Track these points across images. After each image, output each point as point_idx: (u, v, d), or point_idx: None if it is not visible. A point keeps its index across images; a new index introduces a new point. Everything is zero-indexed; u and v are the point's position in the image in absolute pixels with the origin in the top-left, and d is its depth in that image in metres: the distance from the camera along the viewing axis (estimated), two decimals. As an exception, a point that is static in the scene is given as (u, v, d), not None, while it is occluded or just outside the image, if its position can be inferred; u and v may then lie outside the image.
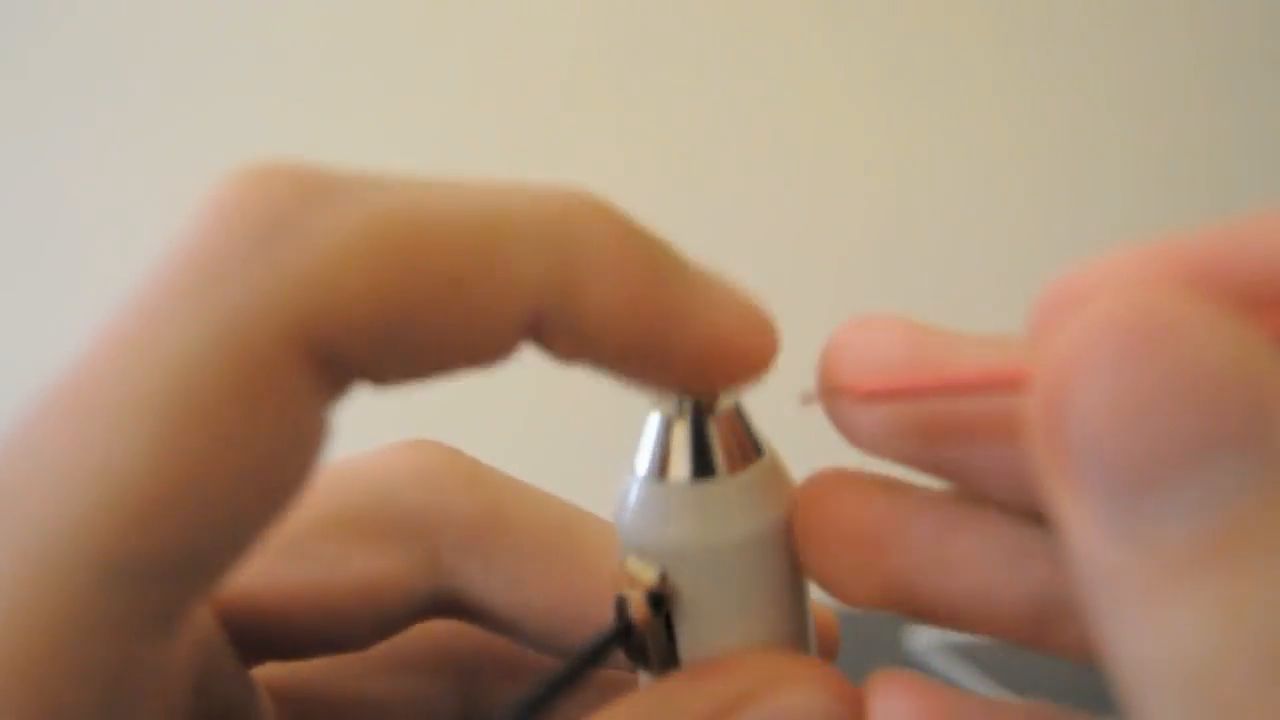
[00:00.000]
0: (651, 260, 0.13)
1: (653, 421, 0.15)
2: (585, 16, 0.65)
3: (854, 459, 0.15)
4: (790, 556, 0.15)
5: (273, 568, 0.15)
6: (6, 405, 0.12)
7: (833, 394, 0.14)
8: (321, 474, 0.15)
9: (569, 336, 0.13)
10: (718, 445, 0.14)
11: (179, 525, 0.11)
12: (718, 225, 0.62)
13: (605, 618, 0.15)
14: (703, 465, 0.14)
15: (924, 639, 0.56)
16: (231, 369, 0.11)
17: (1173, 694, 0.10)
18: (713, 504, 0.14)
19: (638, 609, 0.14)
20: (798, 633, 0.15)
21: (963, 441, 0.14)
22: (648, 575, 0.14)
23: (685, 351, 0.13)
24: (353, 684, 0.17)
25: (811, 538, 0.14)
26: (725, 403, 0.15)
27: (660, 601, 0.14)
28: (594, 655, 0.14)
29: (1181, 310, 0.11)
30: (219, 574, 0.12)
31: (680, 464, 0.14)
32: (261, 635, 0.16)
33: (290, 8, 0.67)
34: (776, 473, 0.15)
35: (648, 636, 0.14)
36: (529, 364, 0.14)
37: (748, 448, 0.15)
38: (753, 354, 0.14)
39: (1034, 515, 0.14)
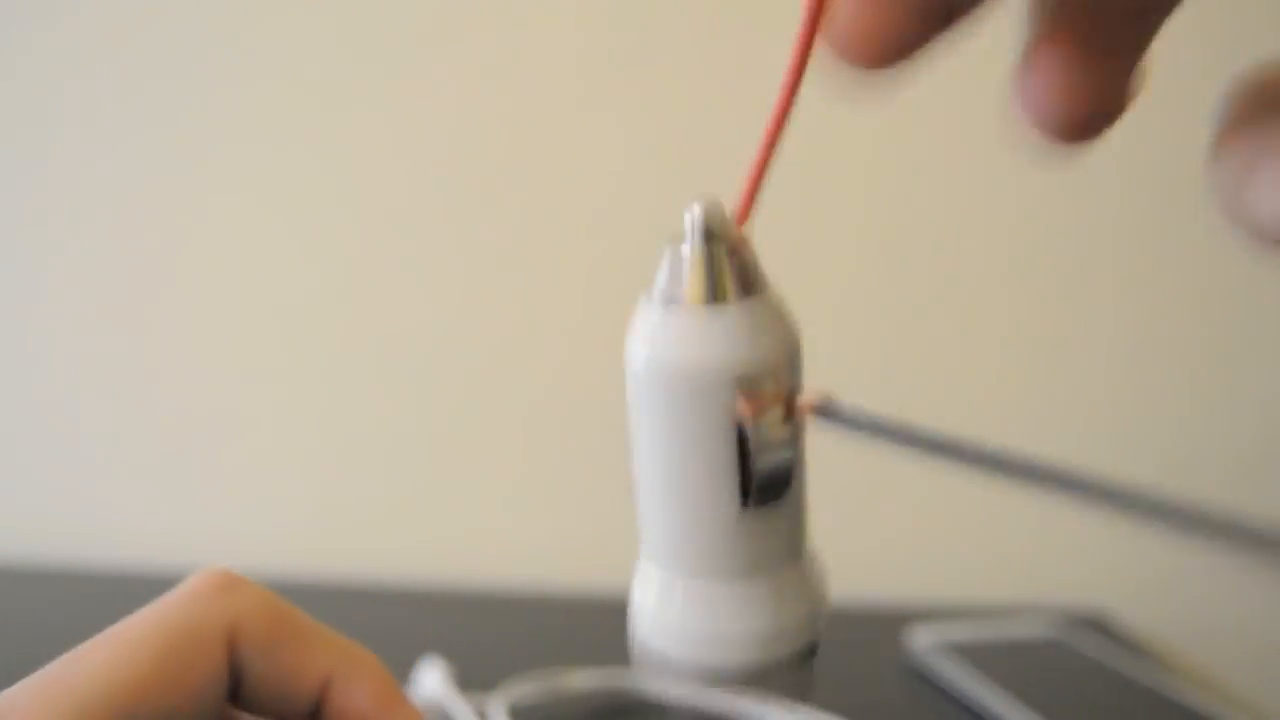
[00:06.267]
0: (392, 691, 0.27)
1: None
2: (591, 15, 0.65)
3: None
4: None
5: (145, 681, 0.25)
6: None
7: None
8: (169, 621, 0.26)
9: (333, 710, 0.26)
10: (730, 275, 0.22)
11: (149, 708, 0.23)
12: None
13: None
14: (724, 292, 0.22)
15: (924, 639, 0.55)
16: (193, 642, 0.24)
17: None
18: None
19: (806, 412, 0.21)
20: None
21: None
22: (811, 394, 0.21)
23: None
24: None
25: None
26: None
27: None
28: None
29: None
30: None
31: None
32: None
33: (299, 7, 0.67)
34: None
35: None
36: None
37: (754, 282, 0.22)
38: None
39: None
